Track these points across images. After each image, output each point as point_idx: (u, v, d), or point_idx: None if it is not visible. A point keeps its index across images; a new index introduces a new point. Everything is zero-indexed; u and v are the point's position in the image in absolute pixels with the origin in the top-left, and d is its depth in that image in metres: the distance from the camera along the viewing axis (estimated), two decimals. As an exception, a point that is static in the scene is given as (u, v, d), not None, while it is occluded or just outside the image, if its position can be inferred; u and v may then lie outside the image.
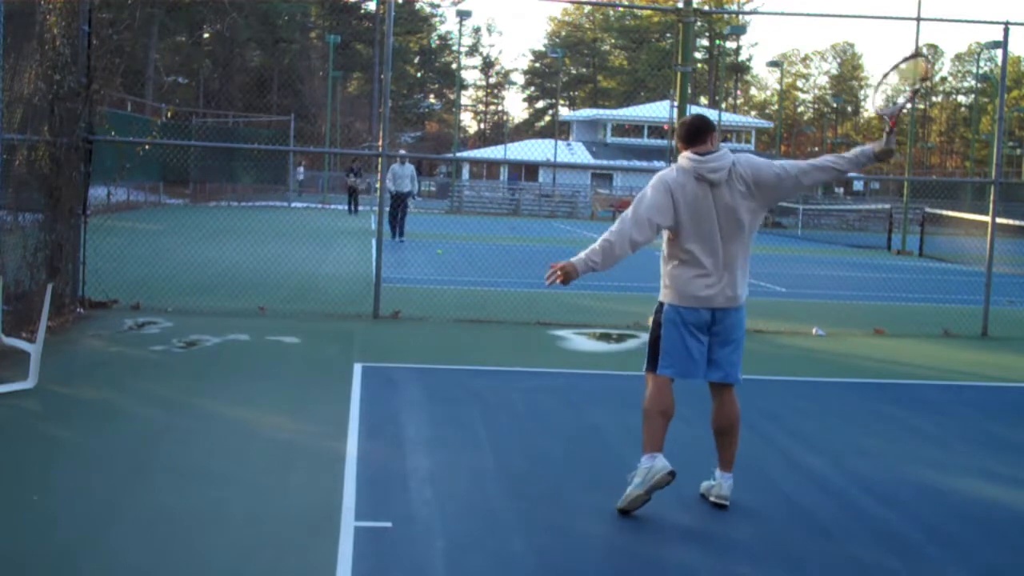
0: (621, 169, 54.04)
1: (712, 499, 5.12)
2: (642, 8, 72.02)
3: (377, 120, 58.51)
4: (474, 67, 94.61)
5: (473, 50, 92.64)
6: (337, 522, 4.59)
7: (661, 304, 5.10)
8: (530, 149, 53.48)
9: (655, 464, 4.86)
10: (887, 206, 33.88)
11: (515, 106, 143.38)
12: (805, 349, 10.09)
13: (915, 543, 4.71)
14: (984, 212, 15.51)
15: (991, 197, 11.90)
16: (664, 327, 5.05)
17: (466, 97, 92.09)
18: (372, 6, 71.21)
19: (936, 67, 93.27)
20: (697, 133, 5.03)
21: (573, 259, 4.94)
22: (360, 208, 33.56)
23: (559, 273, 4.93)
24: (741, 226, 4.97)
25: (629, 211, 5.01)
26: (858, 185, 62.63)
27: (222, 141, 34.74)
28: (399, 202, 21.76)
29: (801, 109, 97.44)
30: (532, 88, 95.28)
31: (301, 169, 47.35)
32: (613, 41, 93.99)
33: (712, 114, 58.19)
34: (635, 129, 67.43)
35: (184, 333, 9.10)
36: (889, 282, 18.06)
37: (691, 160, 4.98)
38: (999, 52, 20.26)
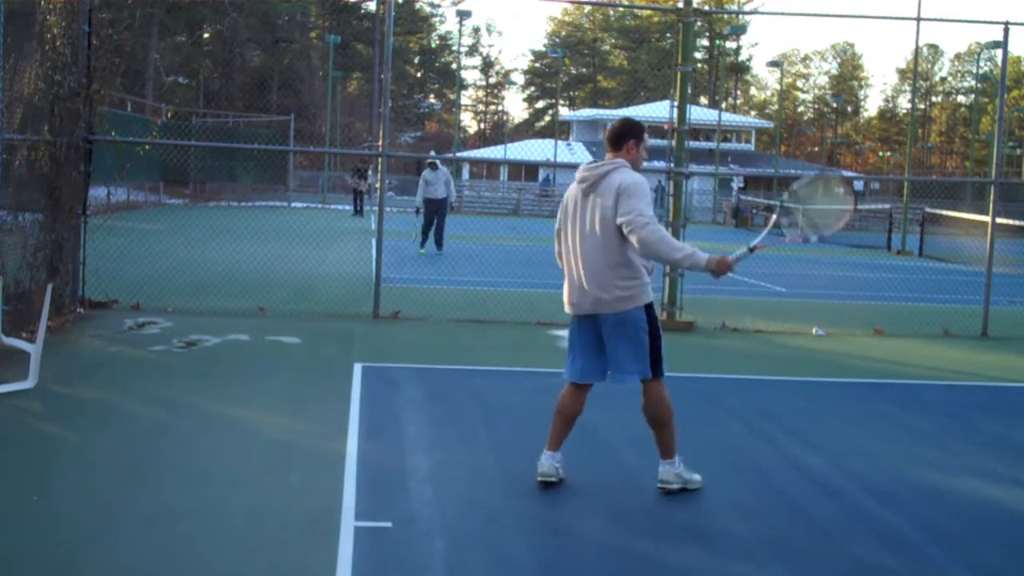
0: (621, 169, 53.79)
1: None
2: (642, 8, 72.02)
3: (377, 120, 58.51)
4: (474, 67, 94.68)
5: (473, 50, 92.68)
6: (337, 522, 4.59)
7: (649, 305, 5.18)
8: (530, 149, 53.44)
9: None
10: (887, 206, 33.86)
11: (515, 106, 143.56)
12: (805, 349, 10.09)
13: (915, 543, 4.71)
14: (984, 212, 15.51)
15: (991, 197, 11.91)
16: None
17: (466, 97, 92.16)
18: (372, 6, 71.20)
19: (936, 67, 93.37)
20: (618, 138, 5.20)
21: (713, 256, 4.96)
22: (364, 208, 33.49)
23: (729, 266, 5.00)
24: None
25: (650, 212, 4.98)
26: (858, 185, 62.60)
27: (222, 141, 34.70)
28: (434, 210, 19.29)
29: (801, 109, 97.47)
30: (532, 88, 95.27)
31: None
32: (613, 41, 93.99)
33: (712, 114, 58.36)
34: (635, 129, 67.29)
35: (184, 333, 9.10)
36: (889, 282, 18.06)
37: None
38: (999, 52, 20.25)
